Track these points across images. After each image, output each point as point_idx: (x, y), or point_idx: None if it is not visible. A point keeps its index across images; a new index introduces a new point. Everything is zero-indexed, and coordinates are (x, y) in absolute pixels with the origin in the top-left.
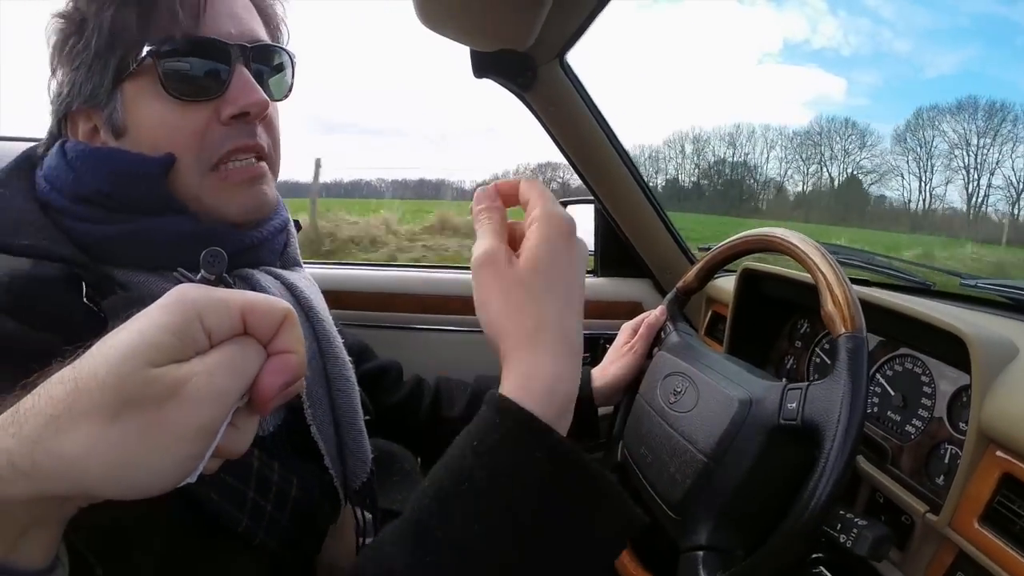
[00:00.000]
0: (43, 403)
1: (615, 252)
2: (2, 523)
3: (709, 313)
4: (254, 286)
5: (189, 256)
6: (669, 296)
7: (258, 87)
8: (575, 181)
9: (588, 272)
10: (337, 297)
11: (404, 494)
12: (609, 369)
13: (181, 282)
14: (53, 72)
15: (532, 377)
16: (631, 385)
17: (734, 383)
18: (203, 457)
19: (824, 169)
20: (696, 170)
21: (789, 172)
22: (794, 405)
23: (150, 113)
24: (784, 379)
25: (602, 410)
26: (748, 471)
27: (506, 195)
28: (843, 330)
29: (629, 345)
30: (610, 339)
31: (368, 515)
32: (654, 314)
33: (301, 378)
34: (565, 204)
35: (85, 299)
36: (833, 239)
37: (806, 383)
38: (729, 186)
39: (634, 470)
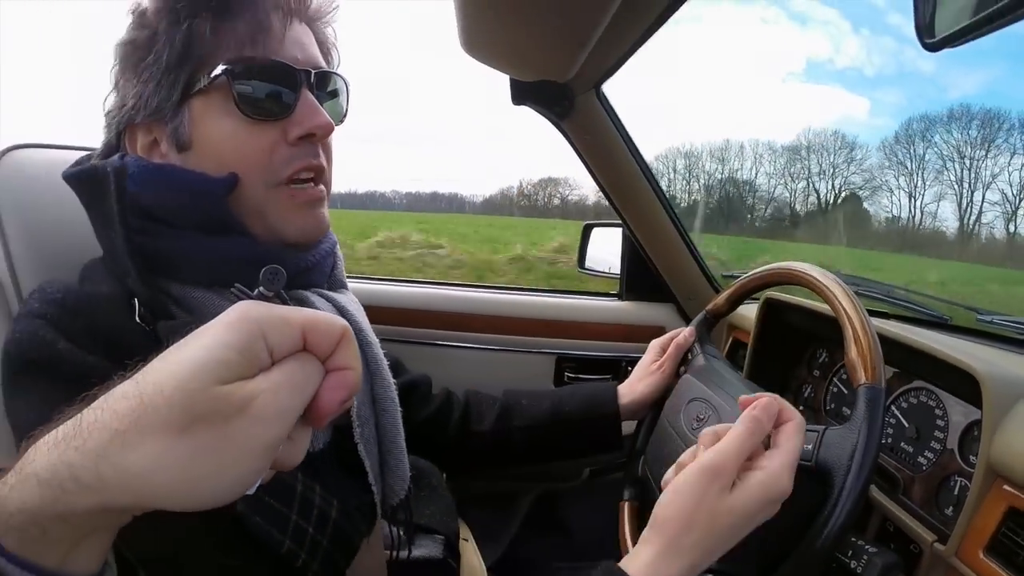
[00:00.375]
0: (107, 417)
1: (640, 276)
2: (62, 533)
3: (730, 339)
4: (312, 306)
5: (246, 276)
6: (698, 318)
7: (323, 110)
8: (574, 197)
9: (613, 295)
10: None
11: (432, 508)
12: (637, 386)
13: (238, 299)
14: (116, 85)
15: (662, 572)
16: (656, 403)
17: None
18: (264, 471)
19: (811, 185)
20: (687, 186)
21: (777, 188)
22: (810, 447)
23: (219, 130)
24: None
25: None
26: None
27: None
28: (864, 380)
29: (658, 364)
30: (632, 362)
31: (400, 531)
32: (683, 334)
33: (356, 393)
34: (591, 227)
35: (137, 318)
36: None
37: (823, 427)
38: (725, 202)
39: (653, 488)
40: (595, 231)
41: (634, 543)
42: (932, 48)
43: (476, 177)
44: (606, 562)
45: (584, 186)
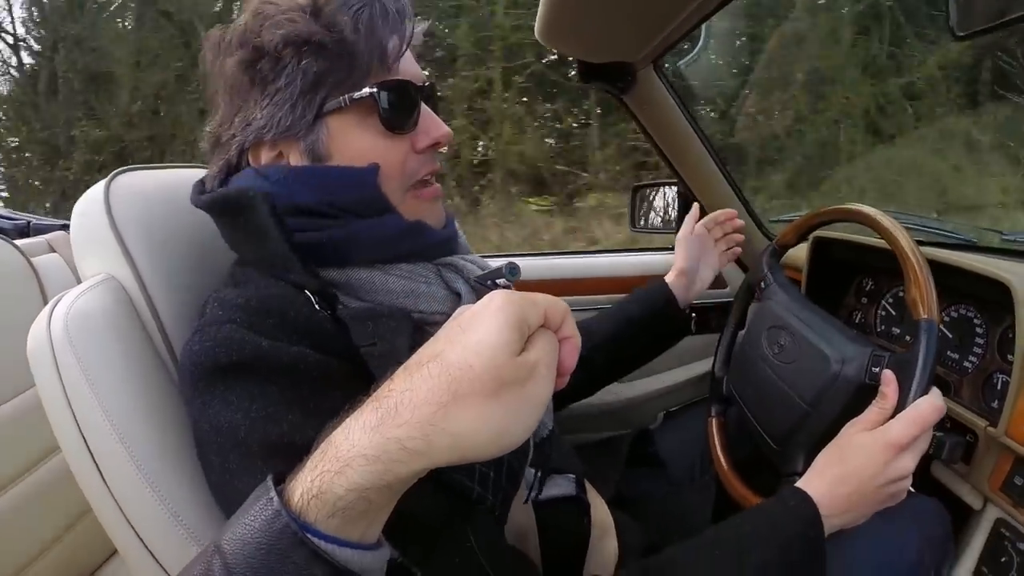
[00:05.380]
0: (423, 395)
1: None
2: (383, 501)
3: None
4: (461, 270)
5: (399, 249)
6: (768, 248)
7: (441, 121)
8: None
9: (670, 250)
10: None
11: (558, 452)
12: (676, 263)
13: (403, 276)
14: (233, 106)
15: (837, 488)
16: (694, 268)
17: (829, 343)
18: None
19: None
20: None
21: None
22: (878, 370)
23: (359, 143)
24: (871, 348)
25: None
26: (837, 416)
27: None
28: (924, 315)
29: (679, 233)
30: (693, 308)
31: (537, 472)
32: (694, 207)
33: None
34: (638, 189)
35: (318, 307)
36: None
37: (888, 354)
38: None
39: (740, 404)
40: (640, 193)
41: (723, 453)
42: (960, 38)
43: None
44: (795, 488)
45: None
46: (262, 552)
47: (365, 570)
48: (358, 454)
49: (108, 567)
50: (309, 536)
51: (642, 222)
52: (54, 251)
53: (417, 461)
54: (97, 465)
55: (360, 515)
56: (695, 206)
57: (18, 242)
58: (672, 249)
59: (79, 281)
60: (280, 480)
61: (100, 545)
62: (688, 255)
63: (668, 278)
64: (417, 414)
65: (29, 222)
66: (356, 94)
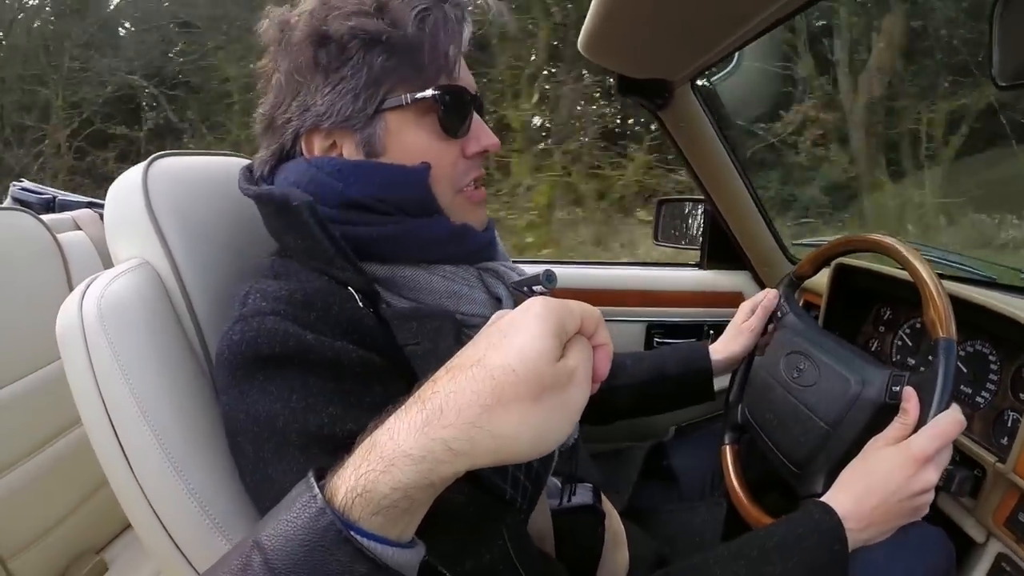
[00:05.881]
0: (468, 398)
1: (719, 247)
2: (424, 499)
3: (800, 301)
4: (502, 275)
5: (446, 251)
6: (785, 280)
7: (490, 131)
8: None
9: (693, 266)
10: None
11: (579, 459)
12: (729, 346)
13: (447, 277)
14: (290, 92)
15: (862, 502)
16: (745, 360)
17: (848, 366)
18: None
19: None
20: None
21: None
22: (898, 389)
23: (415, 142)
24: (890, 370)
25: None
26: (858, 436)
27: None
28: (942, 335)
29: (748, 324)
30: (713, 325)
31: (559, 481)
32: (769, 297)
33: None
34: (663, 203)
35: (361, 304)
36: None
37: (907, 373)
38: None
39: (757, 430)
40: (665, 207)
41: (738, 481)
42: (1003, 88)
43: None
44: (819, 503)
45: None
46: (305, 549)
47: (403, 567)
48: (403, 454)
49: (120, 541)
50: (353, 534)
51: (665, 236)
52: (79, 229)
53: (461, 461)
54: (123, 449)
55: (402, 513)
56: (770, 298)
57: (44, 217)
58: (696, 266)
59: (104, 261)
60: (318, 477)
61: (113, 519)
62: (747, 348)
63: (715, 353)
64: (462, 416)
65: (55, 197)
66: (419, 94)
